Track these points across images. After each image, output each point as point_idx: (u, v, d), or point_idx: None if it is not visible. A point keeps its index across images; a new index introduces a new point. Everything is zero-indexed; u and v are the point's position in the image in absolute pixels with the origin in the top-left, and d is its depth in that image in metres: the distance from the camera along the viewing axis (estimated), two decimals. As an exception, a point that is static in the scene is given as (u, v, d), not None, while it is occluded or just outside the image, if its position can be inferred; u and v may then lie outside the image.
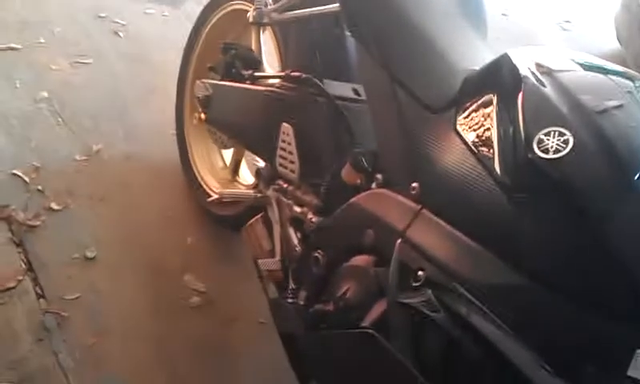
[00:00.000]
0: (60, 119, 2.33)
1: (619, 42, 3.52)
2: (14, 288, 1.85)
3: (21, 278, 1.88)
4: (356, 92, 1.55)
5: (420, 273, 1.08)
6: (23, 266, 1.91)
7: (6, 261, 1.91)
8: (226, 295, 2.04)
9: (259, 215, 1.64)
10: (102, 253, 2.02)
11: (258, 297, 1.64)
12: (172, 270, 2.07)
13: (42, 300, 1.86)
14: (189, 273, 2.07)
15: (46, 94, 2.38)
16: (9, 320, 1.78)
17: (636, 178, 0.90)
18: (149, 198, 2.23)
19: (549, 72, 1.08)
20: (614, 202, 0.91)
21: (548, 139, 0.95)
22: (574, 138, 0.94)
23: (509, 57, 1.12)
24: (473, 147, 1.09)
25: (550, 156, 0.93)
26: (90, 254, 2.01)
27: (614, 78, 1.10)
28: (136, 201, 2.20)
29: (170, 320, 1.94)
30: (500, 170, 1.01)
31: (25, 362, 1.71)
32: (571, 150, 0.93)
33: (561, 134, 0.94)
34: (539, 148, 0.95)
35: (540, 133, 0.96)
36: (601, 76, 1.11)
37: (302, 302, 1.43)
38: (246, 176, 2.18)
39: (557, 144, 0.94)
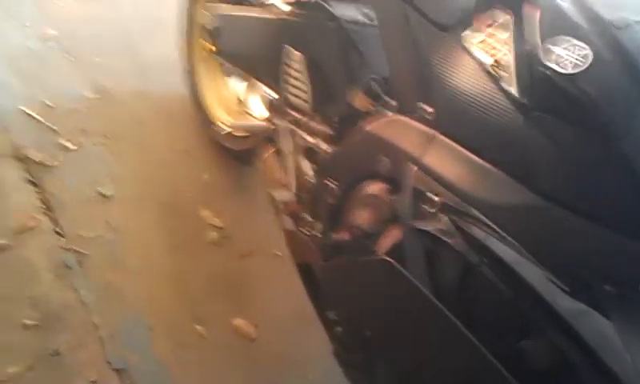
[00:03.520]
0: (69, 56, 2.29)
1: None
2: (32, 228, 1.85)
3: (39, 217, 1.88)
4: (367, 16, 1.50)
5: (435, 199, 1.06)
6: (41, 205, 1.91)
7: (24, 201, 1.90)
8: (242, 229, 2.04)
9: (273, 148, 1.62)
10: (118, 191, 2.01)
11: (274, 230, 1.64)
12: (188, 206, 2.07)
13: (61, 239, 1.86)
14: (205, 208, 2.07)
15: (53, 32, 2.34)
16: (29, 259, 1.79)
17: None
18: (162, 135, 2.21)
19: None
20: (634, 119, 0.87)
21: (567, 54, 0.91)
22: (594, 53, 0.89)
23: None
24: (487, 66, 1.05)
25: (569, 71, 0.89)
26: (106, 192, 2.00)
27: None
28: (149, 137, 2.19)
29: (187, 256, 1.95)
30: (516, 88, 0.98)
31: (47, 299, 1.73)
32: (590, 65, 0.89)
33: (580, 49, 0.90)
34: (557, 64, 0.91)
35: (557, 47, 0.92)
36: None
37: (317, 233, 1.42)
38: (259, 108, 2.14)
39: (575, 59, 0.90)
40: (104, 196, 1.99)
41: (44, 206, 1.91)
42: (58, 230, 1.87)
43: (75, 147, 2.07)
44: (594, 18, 0.96)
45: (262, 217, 1.77)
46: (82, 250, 1.85)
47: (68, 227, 1.88)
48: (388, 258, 1.11)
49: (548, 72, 0.91)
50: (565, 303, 0.91)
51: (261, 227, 1.97)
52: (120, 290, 1.82)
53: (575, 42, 0.91)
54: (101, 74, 2.28)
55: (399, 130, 1.21)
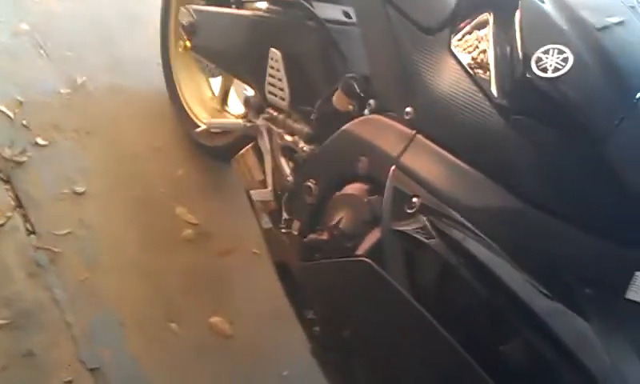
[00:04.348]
0: (42, 52, 2.25)
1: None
2: (3, 225, 1.82)
3: (10, 214, 1.85)
4: (347, 14, 1.49)
5: (414, 200, 1.06)
6: (12, 202, 1.88)
7: (-5, 198, 1.88)
8: (218, 227, 2.03)
9: (250, 145, 1.60)
10: (91, 187, 1.99)
11: (251, 227, 1.63)
12: (163, 202, 2.05)
13: (32, 236, 1.83)
14: (181, 205, 2.05)
15: (26, 26, 2.29)
16: (0, 257, 1.76)
17: (638, 96, 0.88)
18: (137, 130, 2.18)
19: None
20: (615, 122, 0.88)
21: (547, 57, 0.91)
22: (574, 56, 0.90)
23: None
24: (468, 68, 1.05)
25: (549, 75, 0.90)
26: (79, 189, 1.97)
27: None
28: (124, 133, 2.16)
29: (162, 253, 1.93)
30: (497, 91, 0.98)
31: (19, 298, 1.70)
32: (571, 68, 0.89)
33: (560, 52, 0.91)
34: (538, 67, 0.91)
35: (538, 51, 0.92)
36: None
37: (295, 232, 1.41)
38: (236, 105, 2.13)
39: (556, 62, 0.90)
40: (76, 192, 1.97)
41: (15, 203, 1.88)
42: (29, 227, 1.85)
43: (47, 143, 2.04)
44: (575, 20, 0.96)
45: (239, 214, 1.75)
46: (54, 248, 1.82)
47: (40, 224, 1.86)
48: (366, 259, 1.10)
49: (528, 75, 0.92)
50: (543, 305, 0.92)
51: (238, 225, 1.96)
52: (93, 288, 1.80)
53: (556, 45, 0.91)
54: (75, 69, 2.25)
55: (378, 129, 1.21)
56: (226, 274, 1.95)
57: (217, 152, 2.01)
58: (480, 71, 1.03)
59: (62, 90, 2.18)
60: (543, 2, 1.00)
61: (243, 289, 1.92)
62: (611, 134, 0.87)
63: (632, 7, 1.01)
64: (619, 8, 1.00)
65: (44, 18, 2.34)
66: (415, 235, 1.04)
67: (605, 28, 0.96)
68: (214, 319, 1.84)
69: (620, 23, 0.97)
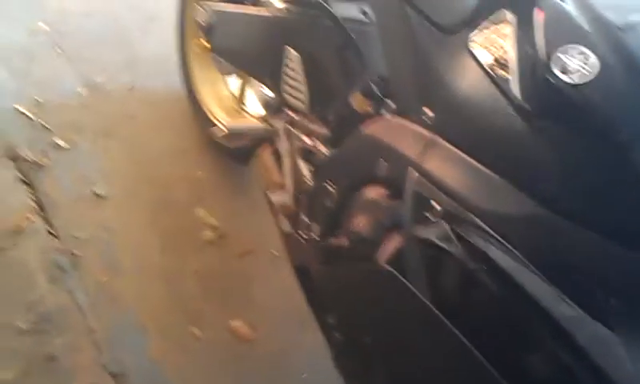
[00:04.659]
0: (60, 51, 2.25)
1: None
2: (24, 228, 1.82)
3: (32, 217, 1.85)
4: (365, 13, 1.46)
5: (435, 205, 1.04)
6: (33, 205, 1.88)
7: (16, 201, 1.87)
8: (238, 228, 2.01)
9: (269, 147, 1.59)
10: (111, 189, 1.99)
11: (271, 229, 1.61)
12: (183, 204, 2.04)
13: (54, 239, 1.84)
14: (200, 207, 2.04)
15: (43, 25, 2.30)
16: (22, 261, 1.76)
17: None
18: (156, 131, 2.18)
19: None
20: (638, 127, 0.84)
21: (571, 61, 0.88)
22: (599, 60, 0.86)
23: None
24: (489, 70, 1.02)
25: (574, 80, 0.86)
26: (99, 191, 1.97)
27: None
28: (143, 134, 2.15)
29: (182, 255, 1.92)
30: (519, 94, 0.95)
31: (41, 302, 1.71)
32: (598, 73, 0.86)
33: (584, 55, 0.87)
34: (562, 71, 0.88)
35: (562, 54, 0.89)
36: None
37: (315, 236, 1.39)
38: (254, 104, 2.10)
39: (581, 66, 0.87)
40: (97, 195, 1.97)
41: (37, 207, 1.88)
42: (51, 230, 1.85)
43: (68, 146, 2.04)
44: (598, 21, 0.93)
45: (259, 216, 1.74)
46: (75, 252, 1.82)
47: (61, 228, 1.86)
48: (388, 267, 1.08)
49: (554, 81, 0.88)
50: (567, 314, 0.89)
51: (258, 226, 1.94)
52: (115, 292, 1.80)
53: (582, 48, 0.88)
54: (93, 68, 2.25)
55: (398, 133, 1.18)
56: (246, 277, 1.93)
57: (235, 153, 2.00)
58: (501, 72, 0.99)
59: (80, 90, 2.18)
60: (564, 1, 0.97)
61: (264, 291, 1.90)
62: (638, 142, 0.84)
63: None
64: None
65: (61, 17, 2.34)
66: (437, 243, 1.01)
67: (628, 27, 0.92)
68: (236, 323, 1.83)
69: None
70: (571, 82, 0.87)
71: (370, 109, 1.30)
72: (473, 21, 1.09)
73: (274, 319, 1.84)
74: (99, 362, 1.67)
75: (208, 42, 1.84)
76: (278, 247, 1.81)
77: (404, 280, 1.05)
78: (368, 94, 1.29)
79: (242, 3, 1.74)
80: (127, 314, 1.77)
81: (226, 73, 2.04)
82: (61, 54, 2.24)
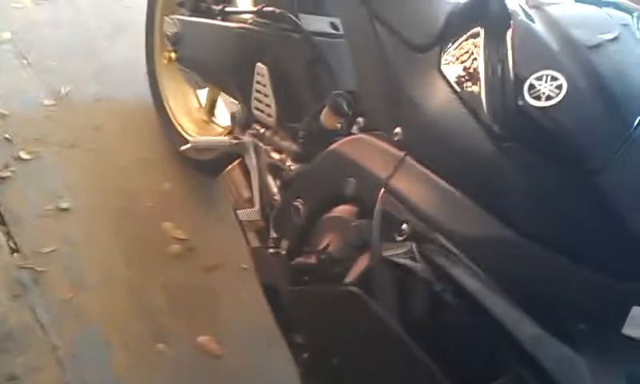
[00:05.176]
0: (25, 61, 2.21)
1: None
2: (-15, 243, 1.78)
3: (-7, 232, 1.81)
4: (335, 26, 1.45)
5: (404, 226, 1.02)
6: (-5, 219, 1.84)
7: (-23, 215, 1.83)
8: (206, 241, 1.98)
9: (237, 162, 1.56)
10: (76, 202, 1.94)
11: (240, 242, 1.58)
12: (150, 216, 2.00)
13: (16, 255, 1.79)
14: (167, 219, 2.00)
15: (8, 35, 2.25)
16: (-18, 277, 1.72)
17: (635, 123, 0.84)
18: (122, 142, 2.14)
19: (538, 5, 1.00)
20: (611, 152, 0.84)
21: (540, 84, 0.87)
22: (568, 83, 0.86)
23: None
24: (459, 90, 1.01)
25: (542, 103, 0.86)
26: (63, 205, 1.93)
27: (607, 9, 1.02)
28: (109, 145, 2.11)
29: (149, 269, 1.88)
30: (488, 116, 0.94)
31: (2, 321, 1.65)
32: (565, 96, 0.85)
33: (553, 79, 0.87)
34: (530, 94, 0.87)
35: (531, 77, 0.88)
36: (594, 8, 1.03)
37: (284, 252, 1.37)
38: (223, 116, 2.08)
39: (549, 89, 0.86)
40: (61, 208, 1.93)
41: (-2, 221, 1.84)
42: (12, 245, 1.80)
43: (31, 157, 2.00)
44: (567, 42, 0.93)
45: (228, 229, 1.71)
46: (37, 267, 1.78)
47: (24, 243, 1.82)
48: (355, 289, 1.06)
49: (520, 102, 0.88)
50: (533, 337, 0.88)
51: (226, 239, 1.91)
52: (78, 308, 1.75)
53: (551, 73, 0.87)
54: (59, 79, 2.21)
55: (367, 150, 1.17)
56: (214, 291, 1.90)
57: (203, 166, 1.97)
58: (471, 93, 0.98)
59: (45, 102, 2.15)
60: (534, 22, 0.96)
61: (232, 306, 1.87)
62: (607, 165, 0.83)
63: (624, 24, 0.97)
64: (612, 25, 0.96)
65: (27, 27, 2.30)
66: (404, 264, 1.00)
67: (597, 47, 0.92)
68: (202, 338, 1.79)
69: (613, 40, 0.93)
70: (540, 105, 0.86)
71: (339, 125, 1.28)
72: (444, 39, 1.08)
73: (242, 335, 1.81)
74: (62, 380, 1.62)
75: (175, 53, 1.82)
76: (246, 261, 1.78)
77: (372, 302, 1.04)
78: (338, 111, 1.28)
79: (211, 16, 1.71)
80: (91, 329, 1.72)
81: (194, 85, 2.01)
82: (26, 65, 2.20)
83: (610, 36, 0.93)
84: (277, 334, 1.42)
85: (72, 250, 1.85)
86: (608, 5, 1.04)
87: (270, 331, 1.47)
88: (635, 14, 1.01)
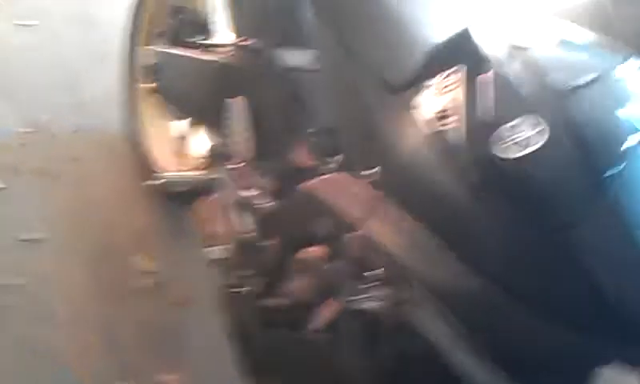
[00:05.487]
0: (2, 89, 2.17)
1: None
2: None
3: (-40, 263, 1.75)
4: (313, 61, 1.42)
5: (375, 270, 0.99)
6: (-37, 251, 1.79)
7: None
8: (177, 275, 1.91)
9: (209, 196, 1.52)
10: (48, 234, 1.89)
11: (211, 277, 1.54)
12: (122, 249, 1.94)
13: (-16, 288, 1.74)
14: (139, 253, 1.94)
15: (-16, 62, 2.21)
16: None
17: (612, 176, 0.80)
18: (99, 174, 2.09)
19: (518, 47, 0.98)
20: (585, 207, 0.81)
21: (515, 134, 0.84)
22: (543, 135, 0.83)
23: (469, 31, 1.01)
24: (434, 134, 0.98)
25: (517, 154, 0.83)
26: (35, 236, 1.87)
27: (588, 52, 1.00)
28: (86, 177, 2.06)
29: (117, 304, 1.82)
30: (462, 163, 0.91)
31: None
32: (539, 147, 0.82)
33: (529, 129, 0.84)
34: (505, 143, 0.84)
35: (506, 126, 0.85)
36: (574, 51, 1.01)
37: (253, 291, 1.32)
38: (200, 148, 2.03)
39: (523, 140, 0.83)
40: (32, 240, 1.87)
41: (-34, 252, 1.78)
42: (-20, 278, 1.75)
43: (4, 186, 1.94)
44: (545, 88, 0.90)
45: (199, 263, 1.65)
46: (4, 301, 1.72)
47: (-8, 275, 1.76)
48: (322, 337, 1.03)
49: (495, 152, 0.85)
50: None
51: (197, 274, 1.84)
52: (46, 344, 1.69)
53: (528, 123, 0.84)
54: (37, 108, 2.16)
55: (341, 190, 1.13)
56: (183, 327, 1.84)
57: (177, 198, 1.91)
58: (446, 138, 0.95)
59: (22, 130, 2.09)
60: (512, 64, 0.94)
61: (199, 344, 1.80)
62: (580, 220, 0.80)
63: (605, 67, 0.94)
64: (591, 66, 0.94)
65: (6, 53, 2.25)
66: (374, 312, 0.97)
67: (575, 90, 0.89)
68: (168, 377, 1.72)
69: (592, 82, 0.90)
70: (514, 156, 0.83)
71: (313, 162, 1.25)
72: (420, 80, 1.05)
73: (209, 374, 1.75)
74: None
75: (152, 82, 1.79)
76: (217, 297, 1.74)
77: (339, 352, 1.00)
78: (313, 148, 1.25)
79: (190, 48, 1.68)
80: (59, 367, 1.66)
81: (171, 116, 1.97)
82: (2, 92, 2.15)
83: (588, 79, 0.91)
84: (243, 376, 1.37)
85: (42, 284, 1.79)
86: (588, 46, 1.02)
87: (236, 373, 1.42)
88: (615, 55, 0.99)
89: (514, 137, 0.84)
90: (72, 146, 2.12)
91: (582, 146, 0.83)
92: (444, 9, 1.23)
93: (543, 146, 0.82)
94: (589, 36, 1.04)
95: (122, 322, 1.80)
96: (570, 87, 0.90)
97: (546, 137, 0.82)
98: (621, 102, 0.88)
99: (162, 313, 1.85)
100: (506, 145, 0.85)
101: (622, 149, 0.83)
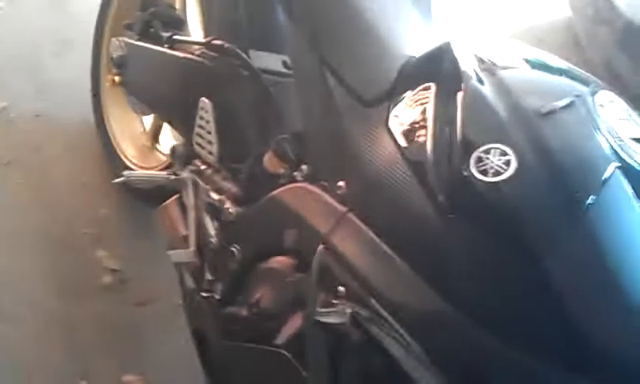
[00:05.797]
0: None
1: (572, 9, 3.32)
2: None
3: None
4: (286, 65, 1.39)
5: (340, 287, 0.97)
6: None
7: None
8: (141, 274, 1.89)
9: (174, 197, 1.49)
10: (4, 225, 1.84)
11: (176, 276, 1.51)
12: (83, 244, 1.91)
13: None
14: (101, 248, 1.91)
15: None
16: None
17: (587, 203, 0.80)
18: (61, 164, 2.04)
19: (491, 69, 0.97)
20: (559, 235, 0.80)
21: (488, 157, 0.83)
22: (517, 159, 0.82)
23: (449, 47, 0.99)
24: (405, 151, 0.96)
25: (490, 178, 0.82)
26: (-10, 227, 1.82)
27: (561, 77, 1.00)
28: (46, 166, 2.01)
29: (78, 301, 1.79)
30: (433, 182, 0.89)
31: None
32: (513, 173, 0.81)
33: (502, 153, 0.83)
34: (478, 166, 0.83)
35: (479, 149, 0.84)
36: (547, 75, 1.01)
37: (217, 298, 1.30)
38: (168, 142, 1.99)
39: (497, 164, 0.82)
40: (-13, 230, 1.82)
41: None
42: None
43: (-41, 174, 1.89)
44: (518, 110, 0.89)
45: (165, 261, 1.62)
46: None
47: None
48: (285, 353, 1.01)
49: (467, 174, 0.83)
50: None
51: (161, 272, 1.81)
52: (3, 342, 1.64)
53: (500, 147, 0.83)
54: (-3, 92, 2.09)
55: (310, 202, 1.10)
56: (145, 327, 1.81)
57: (142, 195, 1.87)
58: (417, 156, 0.93)
59: (-18, 116, 2.03)
60: (485, 86, 0.93)
61: (162, 344, 1.78)
62: (554, 248, 0.79)
63: (578, 95, 0.94)
64: (566, 93, 0.93)
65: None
66: (337, 329, 0.95)
67: (549, 115, 0.88)
68: (128, 377, 1.70)
69: (566, 108, 0.90)
70: (486, 180, 0.82)
71: (283, 170, 1.23)
72: (393, 95, 1.03)
73: (171, 375, 1.73)
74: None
75: (120, 76, 1.75)
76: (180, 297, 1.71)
77: (301, 369, 0.98)
78: (282, 156, 1.22)
79: (159, 42, 1.64)
80: (13, 365, 1.63)
81: (139, 111, 1.92)
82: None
83: (562, 103, 0.90)
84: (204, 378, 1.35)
85: (-3, 276, 1.75)
86: (561, 73, 1.02)
87: (199, 375, 1.39)
88: (589, 83, 0.99)
89: (485, 162, 0.83)
90: (34, 134, 2.06)
91: (558, 173, 0.82)
92: (418, 24, 1.22)
93: (516, 173, 0.81)
94: (561, 62, 1.04)
95: (81, 320, 1.76)
96: (544, 111, 0.89)
97: (518, 164, 0.81)
98: (596, 130, 0.88)
99: (124, 312, 1.82)
100: (477, 169, 0.84)
101: (599, 177, 0.82)
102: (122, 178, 1.61)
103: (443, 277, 0.87)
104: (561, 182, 0.83)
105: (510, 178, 0.81)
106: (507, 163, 0.82)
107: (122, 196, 2.00)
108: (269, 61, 1.39)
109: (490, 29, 2.37)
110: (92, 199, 2.01)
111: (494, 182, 0.81)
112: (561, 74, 1.01)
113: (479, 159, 0.83)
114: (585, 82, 0.98)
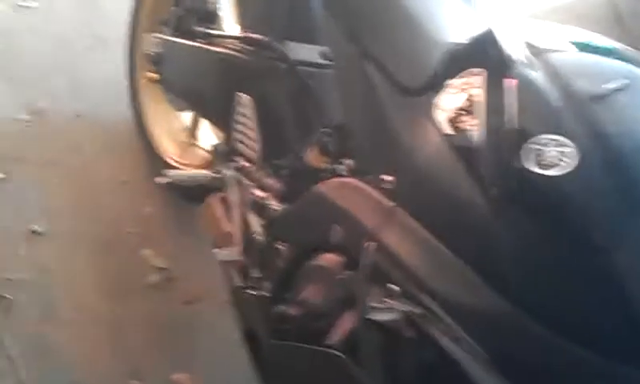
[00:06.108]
0: (2, 72, 2.10)
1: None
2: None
3: (-40, 256, 1.72)
4: (325, 56, 1.36)
5: (392, 285, 0.94)
6: (-37, 242, 1.74)
7: (-55, 239, 1.74)
8: (187, 271, 1.88)
9: (218, 194, 1.47)
10: (51, 226, 1.85)
11: (223, 273, 1.50)
12: (128, 243, 1.91)
13: (-15, 282, 1.70)
14: (147, 246, 1.91)
15: (-19, 45, 2.15)
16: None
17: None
18: (102, 162, 2.04)
19: (539, 53, 0.93)
20: (622, 230, 0.76)
21: (545, 149, 0.79)
22: (577, 152, 0.78)
23: (494, 32, 0.95)
24: (453, 141, 0.93)
25: (547, 171, 0.78)
26: (38, 229, 1.83)
27: (612, 59, 0.95)
28: (88, 165, 2.01)
29: (126, 301, 1.79)
30: (486, 174, 0.86)
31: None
32: (575, 166, 0.77)
33: (560, 144, 0.79)
34: (533, 158, 0.79)
35: (536, 139, 0.80)
36: (597, 57, 0.96)
37: (265, 293, 1.28)
38: (208, 138, 1.98)
39: (555, 156, 0.78)
40: (35, 232, 1.83)
41: (-34, 244, 1.75)
42: (-19, 271, 1.71)
43: (4, 176, 1.89)
44: (571, 96, 0.85)
45: (211, 258, 1.61)
46: (7, 295, 1.68)
47: (-7, 268, 1.72)
48: (338, 353, 0.99)
49: (522, 166, 0.80)
50: None
51: (208, 269, 1.80)
52: (49, 341, 1.66)
53: (556, 136, 0.79)
54: (36, 93, 2.09)
55: (356, 197, 1.08)
56: (193, 325, 1.81)
57: (185, 192, 1.86)
58: (467, 146, 0.90)
59: (20, 116, 2.03)
60: (535, 70, 0.89)
61: (211, 342, 1.78)
62: (617, 243, 0.75)
63: (631, 73, 0.89)
64: (617, 73, 0.89)
65: (5, 35, 2.18)
66: (391, 328, 0.92)
67: (603, 98, 0.84)
68: (179, 376, 1.70)
69: (621, 90, 0.85)
70: (544, 173, 0.78)
71: (325, 164, 1.20)
72: (438, 83, 1.00)
73: (221, 373, 1.72)
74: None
75: (156, 74, 1.74)
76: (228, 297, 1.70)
77: (355, 369, 0.96)
78: (324, 149, 1.20)
79: (194, 38, 1.62)
80: (63, 365, 1.64)
81: (177, 107, 1.91)
82: (1, 77, 2.09)
83: (615, 85, 0.86)
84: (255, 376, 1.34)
85: (45, 277, 1.76)
86: (610, 53, 0.97)
87: (248, 372, 1.38)
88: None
89: (543, 153, 0.80)
90: (73, 133, 2.06)
91: (618, 160, 0.78)
92: (459, 9, 1.18)
93: (577, 167, 0.77)
94: (608, 42, 0.99)
95: (129, 320, 1.77)
96: (597, 95, 0.85)
97: (578, 157, 0.77)
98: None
99: (172, 310, 1.82)
100: (534, 160, 0.80)
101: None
102: (165, 178, 1.60)
103: (500, 273, 0.84)
104: (622, 169, 0.79)
105: (572, 171, 0.77)
106: (565, 155, 0.78)
107: (164, 194, 1.99)
108: (306, 52, 1.35)
109: (528, 5, 2.30)
110: (134, 198, 2.01)
111: (553, 176, 0.77)
112: (610, 55, 0.96)
113: (535, 150, 0.80)
114: (635, 62, 0.93)
